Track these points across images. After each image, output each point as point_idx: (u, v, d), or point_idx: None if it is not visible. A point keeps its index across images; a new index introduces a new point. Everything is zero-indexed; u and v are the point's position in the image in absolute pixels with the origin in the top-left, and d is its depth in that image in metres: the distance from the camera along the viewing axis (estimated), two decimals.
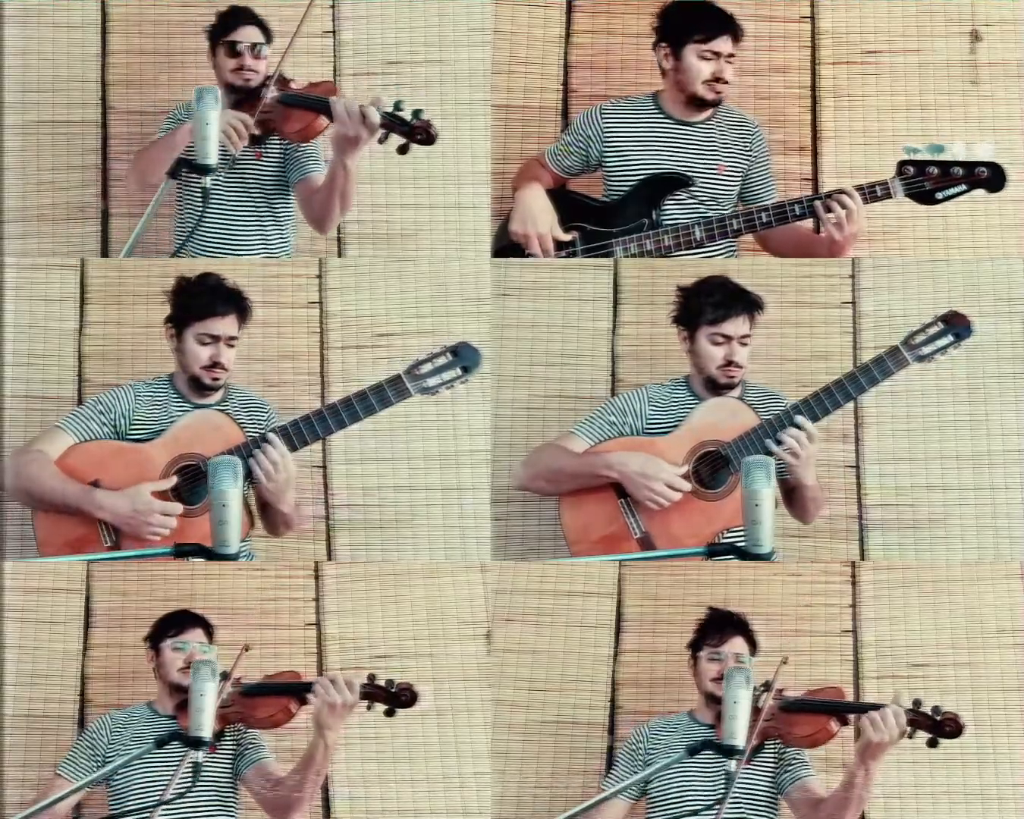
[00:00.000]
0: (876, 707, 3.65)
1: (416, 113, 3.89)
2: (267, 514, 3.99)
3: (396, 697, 3.73)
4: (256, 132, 4.00)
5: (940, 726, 3.64)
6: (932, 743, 3.65)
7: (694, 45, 4.09)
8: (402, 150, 3.92)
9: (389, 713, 3.73)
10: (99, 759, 3.91)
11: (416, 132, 3.90)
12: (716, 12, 4.14)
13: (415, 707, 3.74)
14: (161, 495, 3.83)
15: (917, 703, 3.65)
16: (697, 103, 4.12)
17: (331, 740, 3.74)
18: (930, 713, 3.64)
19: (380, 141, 3.92)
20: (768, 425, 3.87)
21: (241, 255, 4.17)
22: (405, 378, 3.88)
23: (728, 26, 4.11)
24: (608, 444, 3.95)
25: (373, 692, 3.72)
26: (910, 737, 3.64)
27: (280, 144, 4.14)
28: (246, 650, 3.84)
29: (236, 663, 3.80)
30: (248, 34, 4.09)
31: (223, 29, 4.11)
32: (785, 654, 3.79)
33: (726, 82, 4.11)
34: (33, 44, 4.37)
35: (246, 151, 4.06)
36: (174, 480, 3.85)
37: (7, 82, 4.35)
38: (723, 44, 4.10)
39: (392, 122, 3.89)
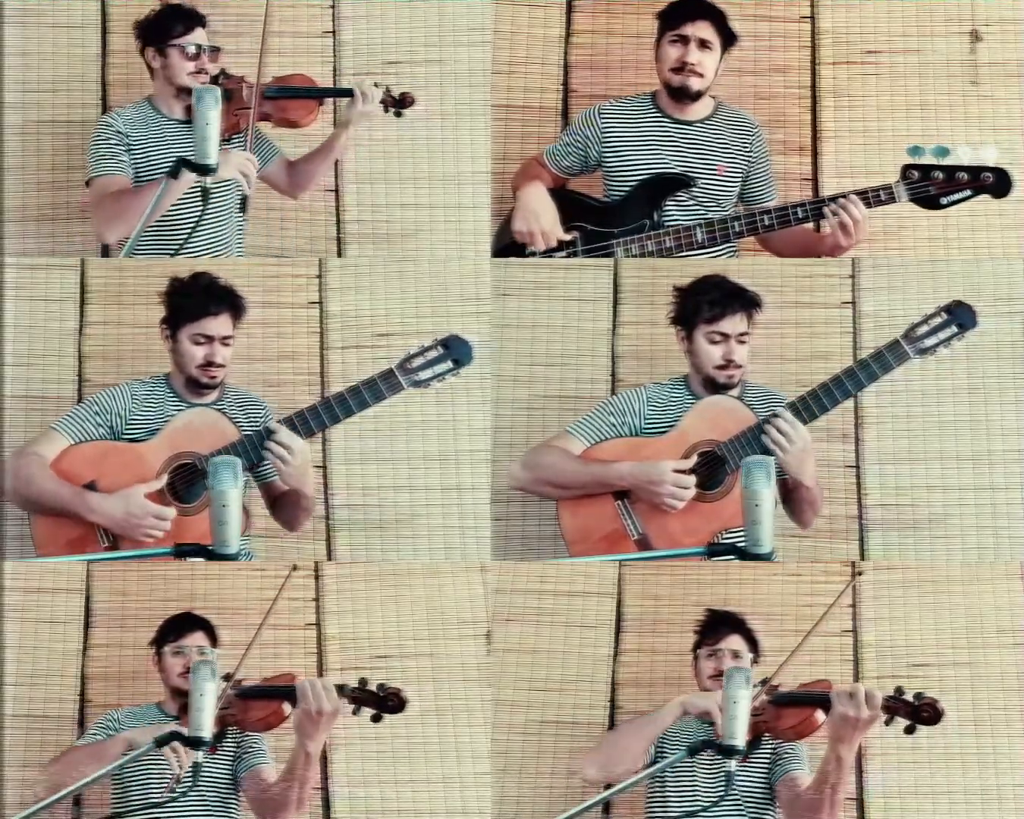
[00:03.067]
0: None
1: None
2: (283, 505, 4.00)
3: (383, 702, 3.71)
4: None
5: (918, 711, 3.58)
6: (910, 729, 3.60)
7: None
8: (398, 114, 4.16)
9: (376, 718, 3.70)
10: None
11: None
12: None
13: (403, 712, 3.71)
14: (155, 497, 3.83)
15: (899, 690, 3.60)
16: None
17: (312, 749, 3.69)
18: (909, 699, 3.59)
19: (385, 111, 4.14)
20: (764, 424, 3.87)
21: (217, 254, 4.17)
22: (397, 372, 3.89)
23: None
24: (605, 445, 3.95)
25: (361, 697, 3.70)
26: (887, 724, 3.59)
27: (242, 143, 4.13)
28: (295, 569, 3.84)
29: (285, 583, 3.79)
30: (201, 37, 4.14)
31: (177, 30, 4.12)
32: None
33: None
34: (33, 44, 4.37)
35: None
36: (164, 480, 3.84)
37: (7, 82, 4.35)
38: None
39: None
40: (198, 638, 3.97)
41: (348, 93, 4.13)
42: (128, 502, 3.80)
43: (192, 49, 4.11)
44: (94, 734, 3.94)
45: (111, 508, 3.81)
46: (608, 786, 3.87)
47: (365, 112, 4.09)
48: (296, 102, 4.10)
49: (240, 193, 4.11)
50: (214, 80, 4.06)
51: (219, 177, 3.83)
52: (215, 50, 4.14)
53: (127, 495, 3.81)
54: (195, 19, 4.15)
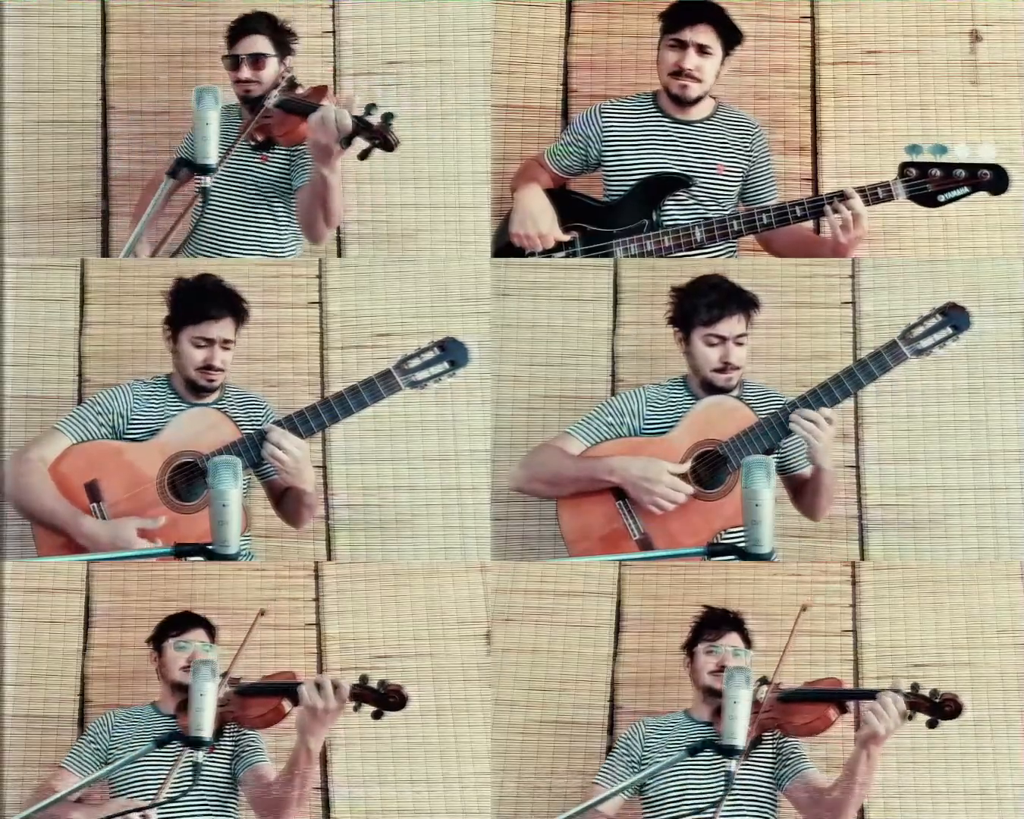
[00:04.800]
0: (872, 693, 3.67)
1: (386, 117, 3.86)
2: (287, 503, 4.01)
3: (384, 699, 3.71)
4: (259, 139, 4.00)
5: (940, 707, 3.66)
6: (932, 724, 3.66)
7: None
8: (363, 156, 3.89)
9: (377, 715, 3.71)
10: (102, 755, 3.92)
11: (375, 136, 3.85)
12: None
13: (405, 709, 3.72)
14: (153, 502, 3.84)
15: (915, 686, 3.66)
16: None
17: (313, 745, 3.71)
18: (928, 695, 3.66)
19: (343, 146, 3.88)
20: (766, 423, 3.87)
21: (237, 257, 4.17)
22: (395, 372, 3.90)
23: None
24: (606, 445, 3.95)
25: (362, 693, 3.71)
26: (910, 719, 3.65)
27: (288, 148, 4.14)
28: (262, 614, 3.84)
29: (252, 627, 3.79)
30: (249, 45, 4.10)
31: (228, 42, 4.13)
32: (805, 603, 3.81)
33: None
34: (33, 44, 4.37)
35: (252, 155, 4.08)
36: (162, 521, 3.84)
37: (7, 82, 4.35)
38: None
39: (358, 126, 3.86)
40: (199, 635, 3.97)
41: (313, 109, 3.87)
42: (117, 533, 3.82)
43: (232, 59, 4.09)
44: (79, 750, 3.95)
45: (100, 536, 3.82)
46: None
47: (317, 144, 3.85)
48: (285, 116, 3.97)
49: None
50: (275, 85, 4.00)
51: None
52: (257, 57, 4.07)
53: (117, 526, 3.82)
54: (242, 29, 4.11)
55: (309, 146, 3.93)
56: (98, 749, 3.93)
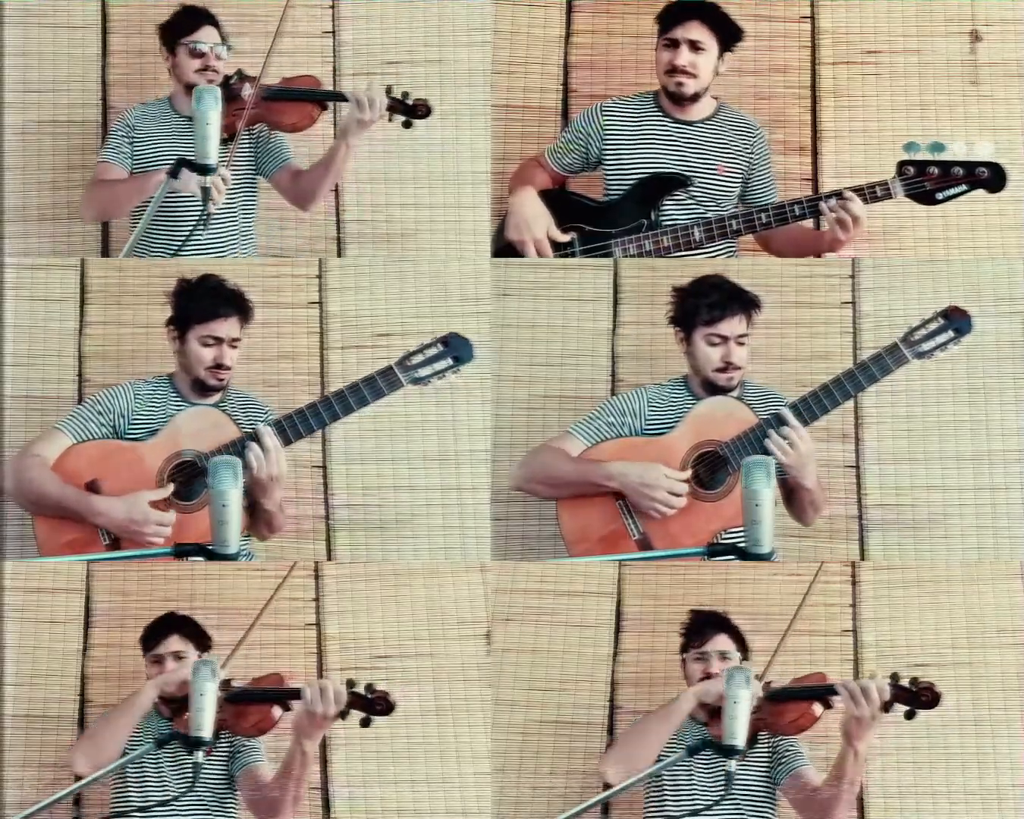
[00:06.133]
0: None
1: (406, 94, 4.02)
2: (252, 513, 3.98)
3: (371, 705, 3.71)
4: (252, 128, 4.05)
5: (916, 696, 3.65)
6: (910, 715, 3.65)
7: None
8: (407, 125, 4.02)
9: (365, 723, 3.71)
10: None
11: (417, 110, 4.01)
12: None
13: (391, 714, 3.71)
14: (159, 502, 3.84)
15: (895, 677, 3.66)
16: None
17: (309, 749, 3.71)
18: (907, 685, 3.66)
19: (389, 119, 4.01)
20: (766, 424, 3.87)
21: (219, 255, 4.17)
22: (396, 369, 3.89)
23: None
24: (606, 445, 3.95)
25: (349, 699, 3.70)
26: (887, 710, 3.64)
27: (249, 140, 4.15)
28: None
29: (278, 588, 3.79)
30: (209, 35, 4.14)
31: (184, 29, 4.15)
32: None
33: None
34: (33, 44, 4.37)
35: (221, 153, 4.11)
36: (171, 489, 3.84)
37: (7, 82, 4.35)
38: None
39: (395, 103, 4.00)
40: (173, 642, 3.93)
41: (343, 98, 4.04)
42: (132, 507, 3.81)
43: (199, 47, 4.11)
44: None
45: (115, 511, 3.82)
46: (607, 786, 3.87)
47: (362, 120, 4.00)
48: (288, 105, 4.03)
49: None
50: (227, 79, 4.03)
51: (176, 190, 3.90)
52: (222, 48, 4.13)
53: (131, 500, 3.82)
54: (202, 18, 4.16)
55: (345, 121, 4.02)
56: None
